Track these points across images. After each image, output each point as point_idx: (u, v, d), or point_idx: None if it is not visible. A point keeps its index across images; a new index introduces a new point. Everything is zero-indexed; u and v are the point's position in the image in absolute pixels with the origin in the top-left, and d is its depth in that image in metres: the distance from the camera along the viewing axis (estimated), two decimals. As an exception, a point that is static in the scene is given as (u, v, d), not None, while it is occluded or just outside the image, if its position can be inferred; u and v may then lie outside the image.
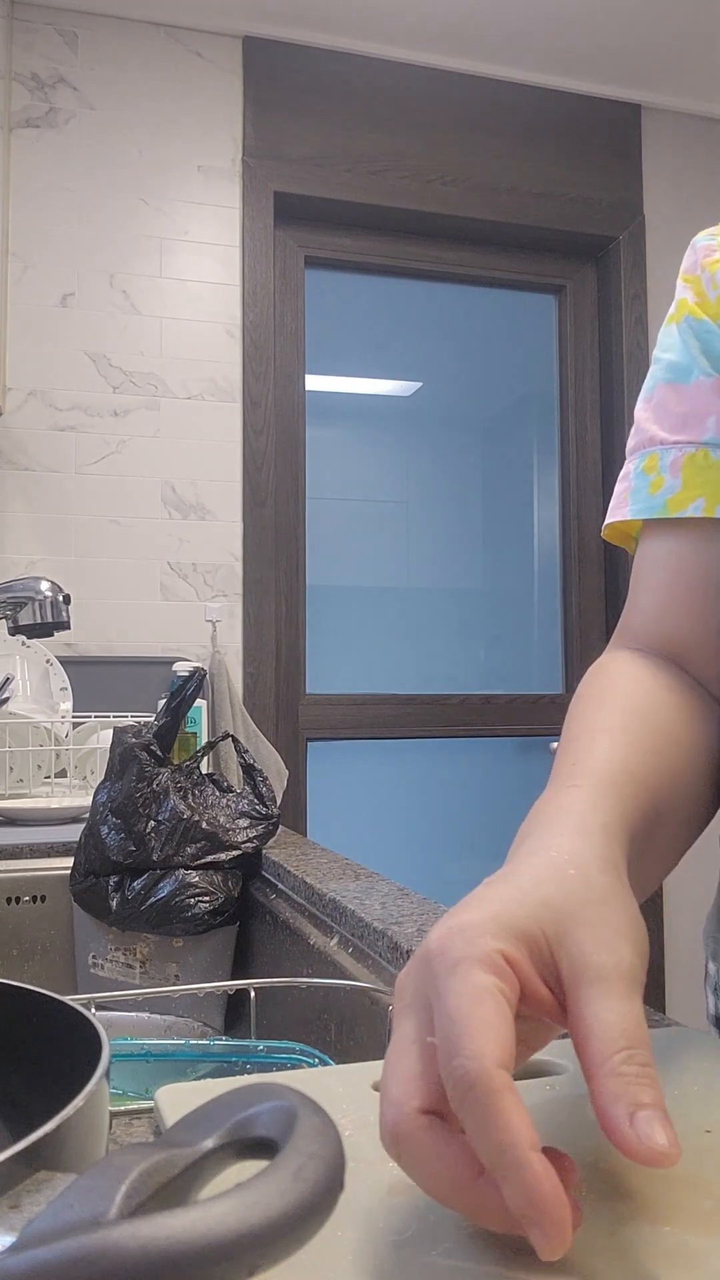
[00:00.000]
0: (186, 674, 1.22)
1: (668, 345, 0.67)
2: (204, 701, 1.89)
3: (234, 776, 1.66)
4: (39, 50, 2.46)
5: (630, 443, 0.68)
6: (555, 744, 2.65)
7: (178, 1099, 0.46)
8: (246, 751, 1.23)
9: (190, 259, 2.53)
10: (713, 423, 0.63)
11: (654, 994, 2.66)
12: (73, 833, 1.25)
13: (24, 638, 1.46)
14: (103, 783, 1.15)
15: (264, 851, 1.17)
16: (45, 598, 1.24)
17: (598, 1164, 0.39)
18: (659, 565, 0.67)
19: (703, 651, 0.65)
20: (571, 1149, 0.40)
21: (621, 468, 0.68)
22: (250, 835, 1.13)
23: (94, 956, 1.11)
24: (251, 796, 1.18)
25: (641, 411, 0.67)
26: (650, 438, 0.65)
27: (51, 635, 1.29)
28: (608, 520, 0.70)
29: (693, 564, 0.65)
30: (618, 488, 0.68)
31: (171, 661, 2.25)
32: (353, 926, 0.88)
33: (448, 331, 2.87)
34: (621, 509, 0.67)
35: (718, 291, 0.65)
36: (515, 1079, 0.48)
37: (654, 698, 0.58)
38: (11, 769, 1.66)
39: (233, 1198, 0.21)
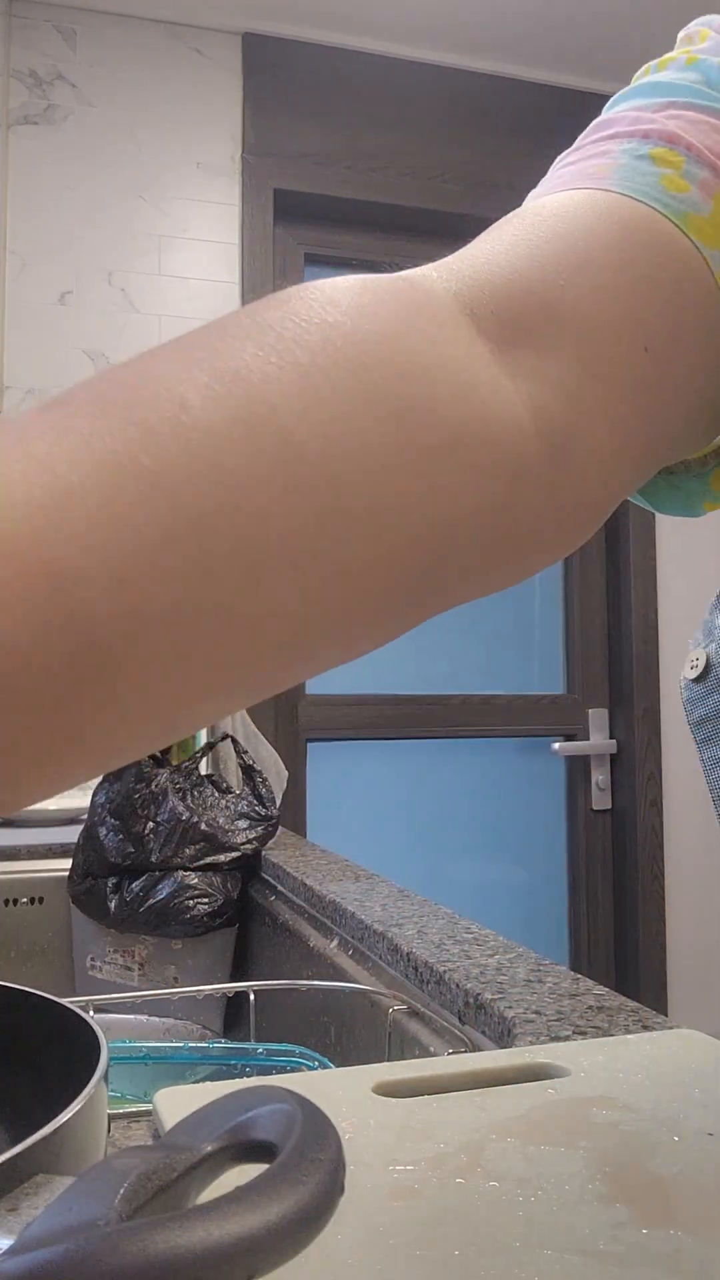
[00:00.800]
0: (186, 674, 1.21)
1: (686, 87, 0.41)
2: (203, 701, 1.88)
3: (233, 777, 1.66)
4: (37, 47, 2.46)
5: (600, 132, 0.42)
6: (557, 744, 2.65)
7: (176, 1101, 0.46)
8: (246, 752, 1.23)
9: (189, 256, 2.53)
10: None
11: (654, 995, 2.66)
12: (71, 834, 1.25)
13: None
14: (101, 784, 1.15)
15: (263, 853, 1.16)
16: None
17: (600, 1167, 0.38)
18: (594, 222, 0.38)
19: (594, 344, 0.35)
20: (572, 1151, 0.40)
21: None
22: (249, 836, 1.13)
23: (92, 958, 1.11)
24: (251, 797, 1.17)
25: (637, 112, 0.41)
26: (671, 135, 0.39)
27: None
28: (546, 192, 0.40)
29: (674, 269, 0.37)
30: (566, 171, 0.41)
31: (171, 661, 2.25)
32: (353, 928, 0.88)
33: (447, 331, 2.87)
34: (596, 179, 0.39)
35: None
36: (517, 1082, 0.48)
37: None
38: (10, 769, 1.66)
39: (232, 1202, 0.21)
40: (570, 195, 0.38)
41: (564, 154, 0.43)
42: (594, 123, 0.43)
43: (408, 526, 0.30)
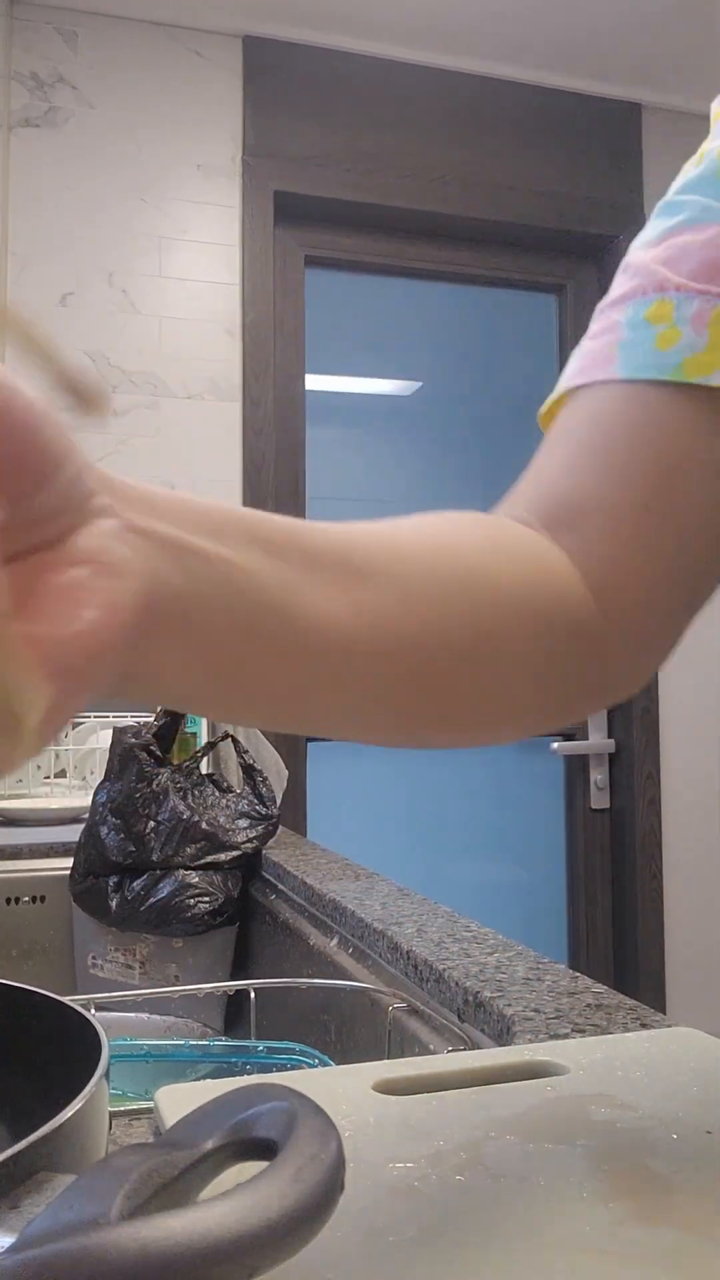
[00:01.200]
0: (186, 674, 1.22)
1: (694, 187, 0.51)
2: (204, 701, 1.88)
3: (234, 777, 1.66)
4: (38, 49, 2.46)
5: (616, 291, 0.50)
6: (556, 744, 2.65)
7: (177, 1099, 0.46)
8: (246, 752, 1.23)
9: (190, 258, 2.53)
10: None
11: (654, 995, 2.66)
12: (72, 833, 1.25)
13: (23, 637, 1.46)
14: (102, 783, 1.15)
15: (264, 852, 1.17)
16: (45, 597, 1.23)
17: (599, 1165, 0.39)
18: (602, 420, 0.47)
19: (609, 518, 0.46)
20: (571, 1149, 0.40)
21: None
22: (250, 835, 1.13)
23: (94, 957, 1.11)
24: (251, 797, 1.18)
25: (642, 255, 0.49)
26: (661, 281, 0.47)
27: (51, 635, 1.28)
28: (574, 382, 0.49)
29: (671, 430, 0.46)
30: (588, 345, 0.50)
31: (171, 661, 2.25)
32: (353, 927, 0.88)
33: (448, 331, 2.87)
34: (605, 366, 0.48)
35: None
36: (516, 1079, 0.48)
37: (458, 538, 0.44)
38: (11, 769, 1.66)
39: (232, 1199, 0.21)
40: (591, 403, 0.49)
41: (600, 304, 0.52)
42: (621, 264, 0.52)
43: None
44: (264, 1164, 0.23)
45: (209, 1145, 0.25)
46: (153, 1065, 0.64)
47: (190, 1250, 0.19)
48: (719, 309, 0.46)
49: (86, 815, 1.16)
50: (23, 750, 0.27)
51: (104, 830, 1.11)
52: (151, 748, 1.15)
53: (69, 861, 1.17)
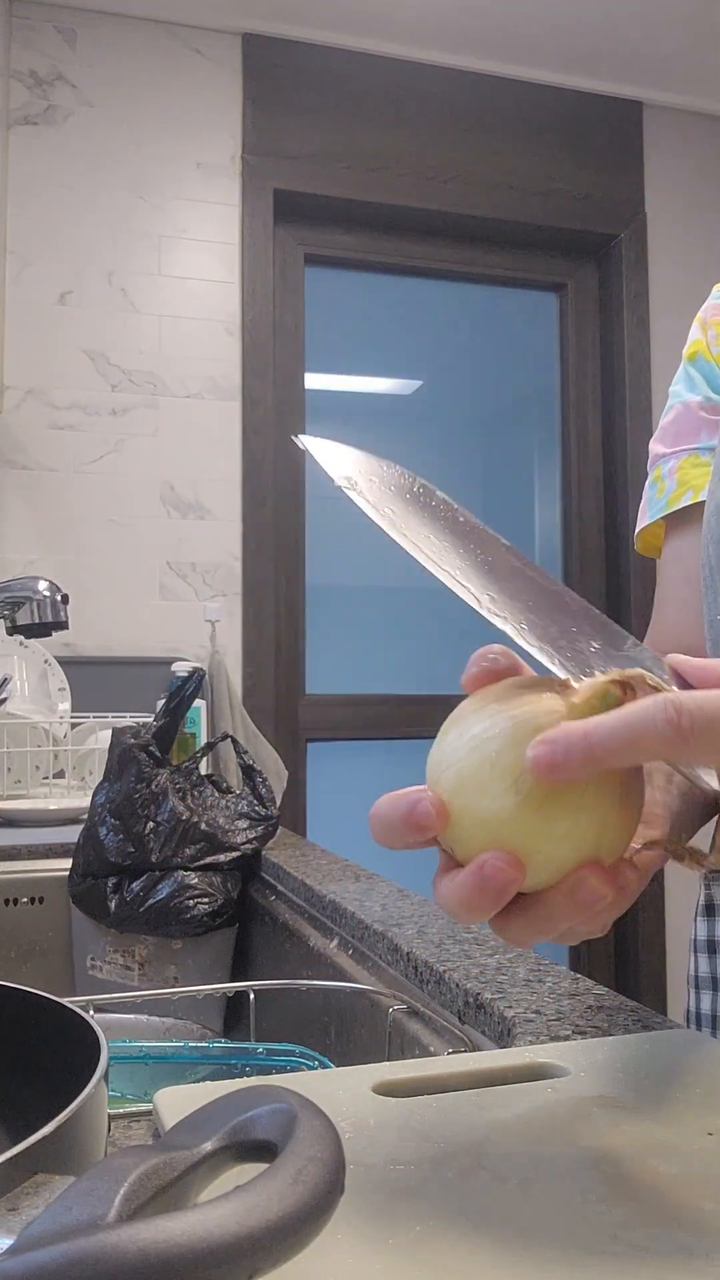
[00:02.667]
0: (185, 674, 1.22)
1: (677, 378, 0.80)
2: (203, 702, 1.88)
3: (233, 777, 1.65)
4: (38, 47, 2.45)
5: (651, 453, 0.81)
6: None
7: (176, 1101, 0.46)
8: (246, 752, 1.23)
9: (189, 257, 2.53)
10: (704, 434, 0.75)
11: (654, 995, 2.66)
12: (71, 834, 1.25)
13: (22, 638, 1.46)
14: (101, 783, 1.15)
15: (263, 853, 1.16)
16: (43, 597, 1.23)
17: (600, 1167, 0.38)
18: (672, 565, 0.77)
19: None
20: (573, 1151, 0.40)
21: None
22: (249, 836, 1.13)
23: (92, 958, 1.11)
24: (251, 797, 1.17)
25: (653, 443, 0.80)
26: (656, 455, 0.78)
27: (50, 635, 1.29)
28: (636, 530, 0.81)
29: (695, 558, 0.73)
30: (640, 508, 0.81)
31: (170, 662, 2.24)
32: (353, 928, 0.88)
33: (449, 329, 2.87)
34: (643, 518, 0.79)
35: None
36: (516, 1081, 0.48)
37: None
38: (9, 770, 1.66)
39: (231, 1201, 0.21)
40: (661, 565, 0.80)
41: (652, 444, 0.80)
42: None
43: None
44: (264, 1166, 0.23)
45: (208, 1147, 0.25)
46: (152, 1067, 0.63)
47: (189, 1253, 0.19)
48: (683, 459, 0.75)
49: (85, 816, 1.15)
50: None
51: (103, 831, 1.11)
52: (150, 748, 1.15)
53: (68, 862, 1.16)
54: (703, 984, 0.76)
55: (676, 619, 0.75)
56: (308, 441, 0.47)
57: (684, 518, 0.75)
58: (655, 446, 0.79)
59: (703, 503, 0.73)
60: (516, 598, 0.41)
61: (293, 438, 0.52)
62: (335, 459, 0.49)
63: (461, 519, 0.45)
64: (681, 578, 0.75)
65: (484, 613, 0.40)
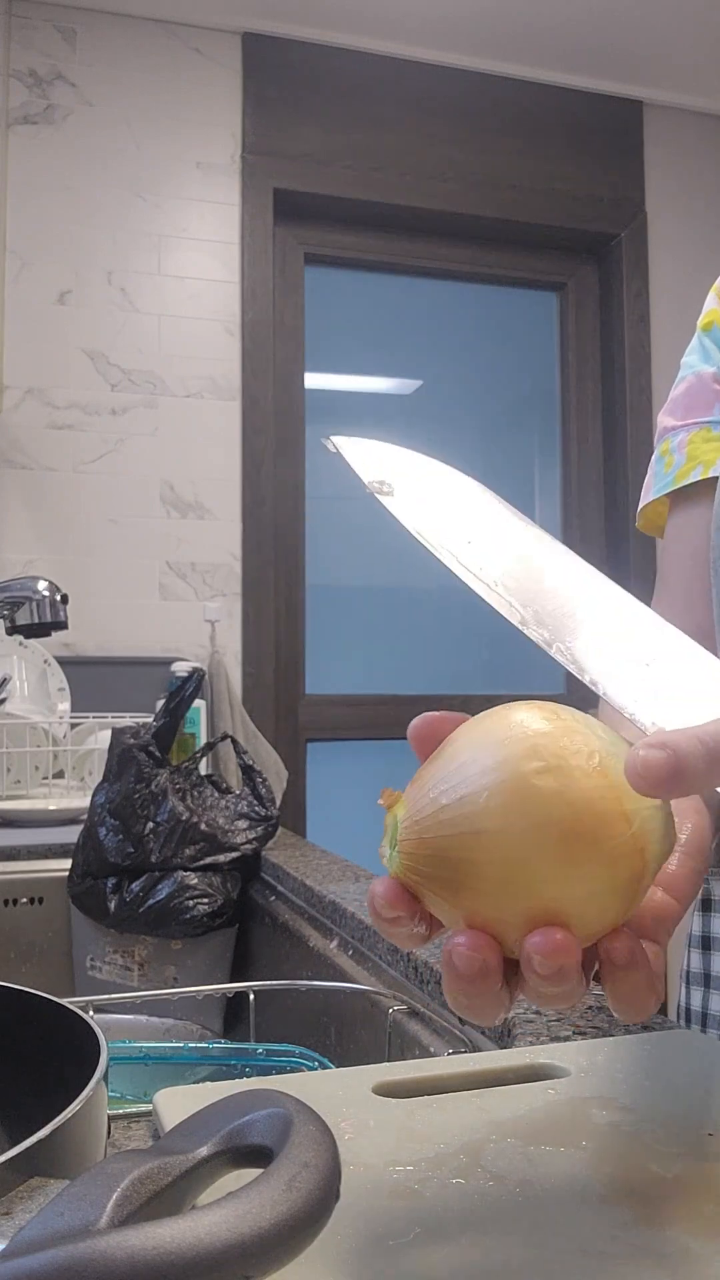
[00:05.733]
0: (185, 674, 1.21)
1: (690, 349, 0.76)
2: (203, 702, 1.88)
3: (233, 777, 1.65)
4: (37, 47, 2.45)
5: (659, 426, 0.77)
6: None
7: (176, 1102, 0.46)
8: (245, 752, 1.22)
9: (189, 256, 2.53)
10: (717, 407, 0.71)
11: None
12: (71, 834, 1.25)
13: (21, 638, 1.46)
14: (101, 784, 1.15)
15: (263, 853, 1.16)
16: (43, 597, 1.23)
17: (600, 1168, 0.38)
18: (677, 543, 0.73)
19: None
20: (573, 1153, 0.39)
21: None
22: (249, 836, 1.13)
23: (92, 959, 1.11)
24: (250, 797, 1.17)
25: (661, 415, 0.76)
26: (665, 428, 0.74)
27: (49, 635, 1.28)
28: (639, 507, 0.77)
29: (703, 536, 0.69)
30: (644, 483, 0.76)
31: (170, 662, 2.24)
32: (353, 929, 0.88)
33: (448, 329, 2.87)
34: (647, 494, 0.75)
35: None
36: (516, 1082, 0.47)
37: None
38: (9, 770, 1.66)
39: (224, 1207, 0.20)
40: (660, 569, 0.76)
41: (660, 416, 0.76)
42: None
43: None
44: (258, 1171, 0.22)
45: (203, 1152, 0.25)
46: (151, 1068, 0.63)
47: (179, 1259, 0.19)
48: (693, 433, 0.71)
49: (85, 816, 1.15)
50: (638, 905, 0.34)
51: (102, 831, 1.11)
52: (150, 748, 1.14)
53: (67, 863, 1.16)
54: (695, 980, 0.76)
55: (681, 600, 0.71)
56: (340, 443, 0.41)
57: (690, 494, 0.71)
58: (664, 419, 0.75)
59: (712, 480, 0.69)
60: (561, 610, 0.37)
61: (323, 440, 0.45)
62: (372, 461, 0.41)
63: (511, 514, 0.41)
64: (686, 556, 0.71)
65: (529, 633, 0.36)
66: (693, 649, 0.35)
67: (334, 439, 0.41)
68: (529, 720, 0.33)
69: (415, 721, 0.35)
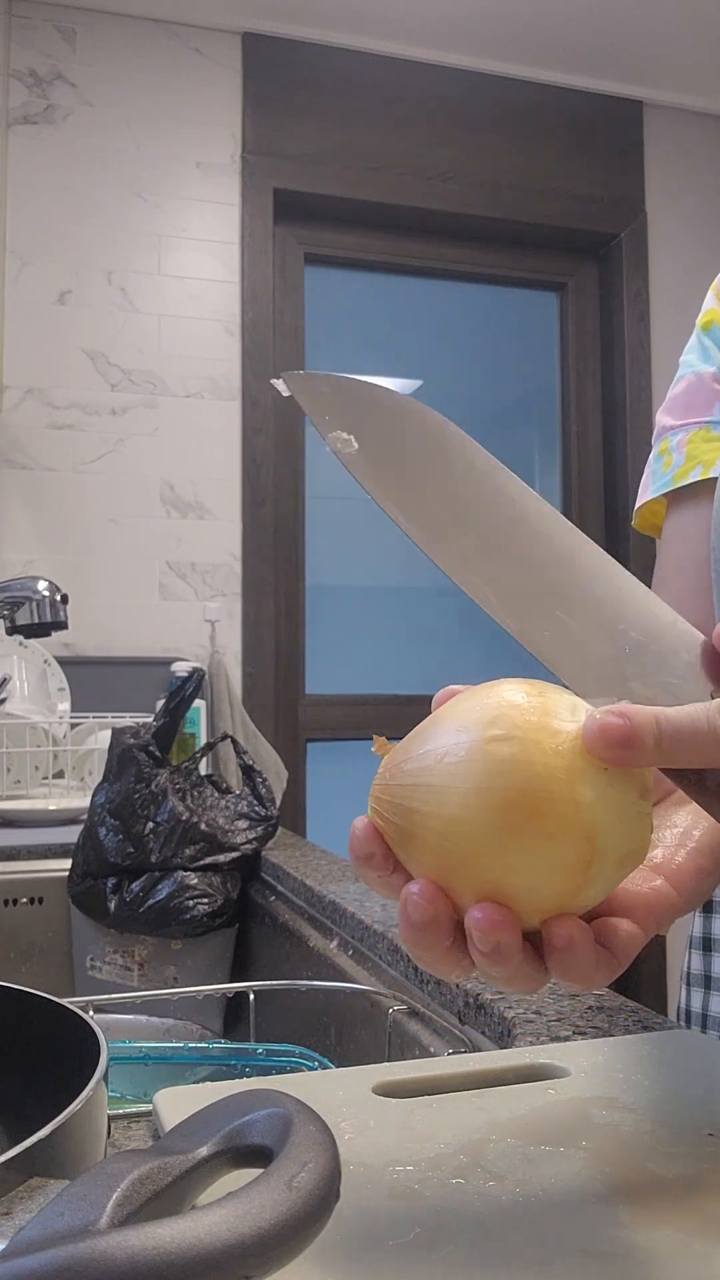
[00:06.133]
0: (185, 674, 1.21)
1: (689, 348, 0.75)
2: (202, 702, 1.88)
3: (233, 777, 1.65)
4: (37, 47, 2.45)
5: (657, 425, 0.77)
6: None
7: (176, 1102, 0.46)
8: (245, 752, 1.22)
9: (189, 256, 2.53)
10: (717, 407, 0.71)
11: (655, 996, 2.66)
12: (71, 834, 1.25)
13: (21, 638, 1.46)
14: (101, 784, 1.15)
15: (263, 853, 1.16)
16: (43, 597, 1.23)
17: (600, 1167, 0.38)
18: (674, 543, 0.73)
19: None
20: (572, 1152, 0.39)
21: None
22: (249, 837, 1.13)
23: (92, 959, 1.11)
24: (250, 798, 1.17)
25: (659, 414, 0.76)
26: (663, 427, 0.74)
27: (49, 635, 1.28)
28: (636, 506, 0.76)
29: (701, 536, 0.69)
30: (642, 482, 0.76)
31: (170, 662, 2.24)
32: (353, 929, 0.88)
33: (449, 329, 2.87)
34: (644, 494, 0.75)
35: None
36: (517, 1082, 0.47)
37: None
38: (9, 770, 1.65)
39: (224, 1207, 0.20)
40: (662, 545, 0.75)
41: (659, 415, 0.76)
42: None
43: None
44: (259, 1171, 0.22)
45: (203, 1152, 0.25)
46: (151, 1068, 0.63)
47: (179, 1259, 0.19)
48: (692, 433, 0.71)
49: (85, 816, 1.15)
50: (592, 893, 0.33)
51: (102, 831, 1.11)
52: (150, 748, 1.14)
53: (67, 863, 1.16)
54: (695, 981, 0.76)
55: (677, 601, 0.70)
56: (289, 381, 0.39)
57: (688, 494, 0.71)
58: (663, 418, 0.74)
59: (712, 480, 0.69)
60: (543, 584, 0.37)
61: (271, 381, 0.42)
62: (326, 404, 0.39)
63: (481, 464, 0.40)
64: (685, 556, 0.71)
65: (498, 619, 0.37)
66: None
67: (282, 377, 0.39)
68: (508, 693, 0.35)
69: (439, 695, 0.37)
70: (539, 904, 0.33)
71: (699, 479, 0.69)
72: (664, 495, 0.73)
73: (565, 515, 2.16)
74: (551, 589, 0.37)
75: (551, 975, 0.34)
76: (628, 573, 0.38)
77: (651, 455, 0.75)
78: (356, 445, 0.38)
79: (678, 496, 0.72)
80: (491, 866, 0.32)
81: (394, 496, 0.38)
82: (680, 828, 0.40)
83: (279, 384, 0.39)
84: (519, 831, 0.32)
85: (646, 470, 0.75)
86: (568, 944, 0.32)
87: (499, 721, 0.33)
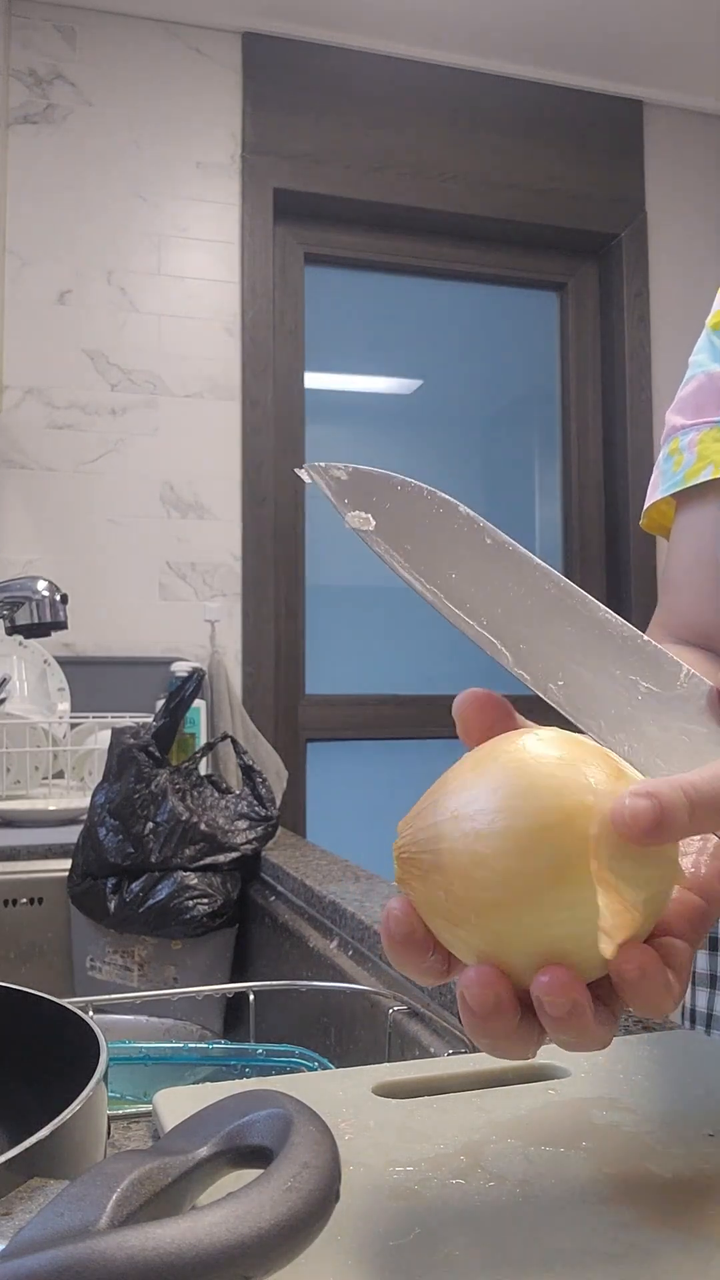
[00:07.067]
0: (185, 674, 1.21)
1: (699, 347, 0.76)
2: (202, 702, 1.88)
3: (233, 778, 1.65)
4: (37, 46, 2.45)
5: (667, 425, 0.77)
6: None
7: (176, 1102, 0.46)
8: (245, 752, 1.22)
9: (189, 256, 2.53)
10: None
11: (655, 994, 2.65)
12: (70, 834, 1.25)
13: (21, 638, 1.46)
14: (101, 784, 1.15)
15: (263, 853, 1.16)
16: (42, 597, 1.23)
17: (601, 1168, 0.38)
18: (684, 543, 0.73)
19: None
20: (573, 1152, 0.39)
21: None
22: (249, 837, 1.13)
23: (92, 959, 1.11)
24: (250, 798, 1.17)
25: (669, 413, 0.76)
26: (673, 427, 0.74)
27: (49, 635, 1.28)
28: (645, 506, 0.77)
29: (712, 536, 0.70)
30: (651, 482, 0.77)
31: (170, 662, 2.24)
32: (353, 929, 0.88)
33: (449, 329, 2.87)
34: (654, 493, 0.75)
35: None
36: (517, 1082, 0.47)
37: None
38: (9, 770, 1.65)
39: (223, 1208, 0.20)
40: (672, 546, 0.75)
41: (669, 415, 0.76)
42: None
43: None
44: (258, 1171, 0.22)
45: (203, 1152, 0.25)
46: (151, 1068, 0.63)
47: (179, 1260, 0.19)
48: (704, 432, 0.71)
49: (85, 816, 1.15)
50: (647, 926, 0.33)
51: (102, 831, 1.11)
52: (150, 749, 1.14)
53: (67, 863, 1.16)
54: (700, 981, 0.76)
55: (687, 601, 0.72)
56: (312, 472, 0.41)
57: (698, 494, 0.72)
58: (673, 418, 0.74)
59: None
60: (554, 641, 0.38)
61: (295, 471, 0.46)
62: (347, 490, 0.42)
63: (489, 541, 0.42)
64: (693, 557, 0.72)
65: (515, 672, 0.37)
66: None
67: (306, 467, 0.41)
68: (534, 748, 0.35)
69: (463, 700, 0.38)
70: (596, 955, 0.32)
71: (710, 478, 0.70)
72: (673, 495, 0.73)
73: (565, 516, 2.17)
74: (566, 644, 0.39)
75: (627, 1007, 0.33)
76: (630, 624, 0.40)
77: (661, 455, 0.75)
78: (374, 523, 0.41)
79: (688, 496, 0.72)
80: (542, 930, 0.32)
81: (416, 569, 0.41)
82: (699, 837, 0.40)
83: (302, 474, 0.41)
84: (565, 889, 0.32)
85: (656, 470, 0.76)
86: (640, 972, 0.32)
87: (535, 792, 0.33)
